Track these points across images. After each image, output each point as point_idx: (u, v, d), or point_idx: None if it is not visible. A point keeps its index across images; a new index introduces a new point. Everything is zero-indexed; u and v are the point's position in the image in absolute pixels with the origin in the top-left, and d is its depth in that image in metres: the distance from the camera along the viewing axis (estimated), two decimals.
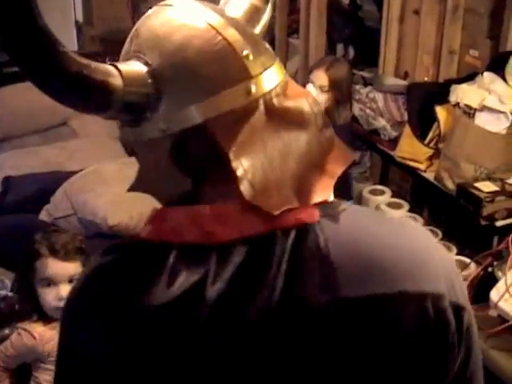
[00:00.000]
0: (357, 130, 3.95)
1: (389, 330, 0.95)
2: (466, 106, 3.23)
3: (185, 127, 0.96)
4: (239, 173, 0.94)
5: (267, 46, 1.05)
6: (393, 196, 4.02)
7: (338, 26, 5.20)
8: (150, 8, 1.05)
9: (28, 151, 4.78)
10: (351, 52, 5.25)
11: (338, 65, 3.21)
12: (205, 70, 0.96)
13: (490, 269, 2.95)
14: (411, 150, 3.58)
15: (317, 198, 0.98)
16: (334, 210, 1.00)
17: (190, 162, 0.99)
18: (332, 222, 0.98)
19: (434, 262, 1.02)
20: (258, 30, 1.14)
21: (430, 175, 3.50)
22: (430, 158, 3.52)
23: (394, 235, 1.02)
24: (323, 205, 0.99)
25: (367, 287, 0.94)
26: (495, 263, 2.93)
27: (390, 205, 3.88)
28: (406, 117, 3.76)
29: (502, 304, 2.69)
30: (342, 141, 3.20)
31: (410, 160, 3.60)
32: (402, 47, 4.21)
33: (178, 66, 0.96)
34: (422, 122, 3.57)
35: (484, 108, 3.18)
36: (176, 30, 0.98)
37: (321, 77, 3.15)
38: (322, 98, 3.14)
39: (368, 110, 3.92)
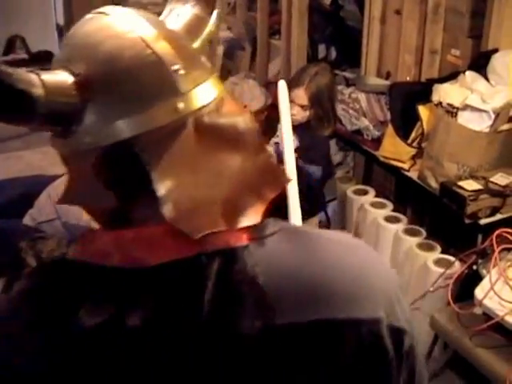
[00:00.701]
0: (340, 131, 3.95)
1: (324, 357, 0.92)
2: (449, 105, 3.25)
3: (110, 142, 0.92)
4: (161, 194, 0.90)
5: (203, 59, 1.00)
6: (376, 196, 4.04)
7: (319, 26, 5.20)
8: None
9: (10, 156, 4.76)
10: (333, 52, 5.26)
11: (318, 79, 3.17)
12: (132, 84, 0.92)
13: (474, 267, 2.96)
14: (394, 149, 3.59)
15: (245, 221, 0.94)
16: (266, 232, 0.96)
17: (115, 179, 0.95)
18: (263, 245, 0.94)
19: (374, 285, 0.99)
20: (200, 41, 1.10)
21: (413, 174, 3.51)
22: (414, 158, 3.53)
23: (331, 258, 0.99)
24: (256, 227, 0.95)
25: (301, 314, 0.91)
26: (479, 261, 2.95)
27: (373, 205, 3.90)
28: (388, 117, 3.78)
29: (486, 302, 2.70)
30: (322, 152, 3.20)
31: (394, 160, 3.61)
32: (384, 47, 4.22)
33: (106, 78, 0.92)
34: (404, 122, 3.58)
35: (466, 107, 3.20)
36: (106, 40, 0.94)
37: (300, 96, 3.13)
38: (304, 114, 3.12)
39: (351, 111, 3.93)
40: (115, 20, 0.96)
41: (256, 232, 0.95)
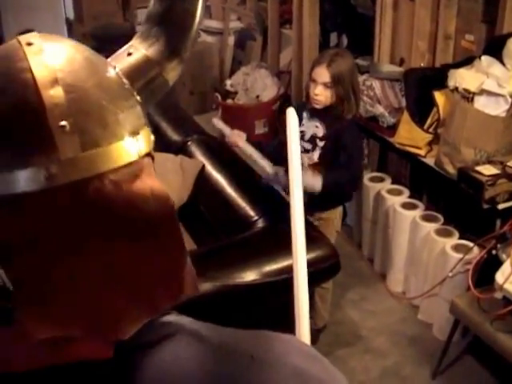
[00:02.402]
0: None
1: None
2: (465, 90, 3.24)
3: None
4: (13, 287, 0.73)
5: (120, 117, 0.77)
6: (392, 183, 4.03)
7: (330, 14, 5.20)
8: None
9: None
10: (345, 40, 5.26)
11: (339, 60, 3.15)
12: (5, 135, 0.72)
13: (493, 251, 2.96)
14: (410, 136, 3.58)
15: (112, 335, 0.76)
16: (150, 338, 0.80)
17: None
18: (144, 355, 0.78)
19: None
20: (142, 88, 0.87)
21: (429, 160, 3.51)
22: (430, 144, 3.53)
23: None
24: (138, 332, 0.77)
25: None
26: (499, 246, 2.95)
27: (389, 191, 3.90)
28: (403, 103, 3.77)
29: (507, 286, 2.70)
30: (351, 135, 3.09)
31: (410, 146, 3.60)
32: (397, 34, 4.22)
33: None
34: (420, 108, 3.57)
35: (483, 92, 3.19)
36: None
37: (322, 74, 3.12)
38: (327, 94, 3.12)
39: (365, 98, 3.92)
40: (25, 52, 0.76)
41: (136, 338, 0.77)
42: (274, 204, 3.13)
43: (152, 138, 0.81)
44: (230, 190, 3.25)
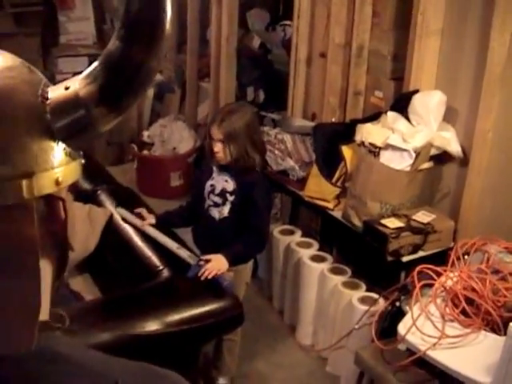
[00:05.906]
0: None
1: None
2: (371, 144, 3.31)
3: None
4: None
5: (14, 156, 0.77)
6: (303, 235, 4.06)
7: (247, 69, 5.27)
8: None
9: None
10: (261, 95, 5.32)
11: (233, 117, 3.17)
12: None
13: (397, 303, 2.99)
14: (319, 189, 3.63)
15: None
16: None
17: None
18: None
19: None
20: (63, 127, 0.83)
21: (337, 213, 3.55)
22: (338, 197, 3.58)
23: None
24: None
25: None
26: (402, 298, 2.98)
27: (299, 244, 3.92)
28: (314, 157, 3.82)
29: (409, 337, 2.72)
30: (260, 191, 3.10)
31: (318, 199, 3.65)
32: (310, 89, 4.30)
33: None
34: (328, 162, 3.63)
35: (388, 146, 3.26)
36: None
37: (215, 132, 3.16)
38: (225, 151, 3.14)
39: (277, 151, 3.97)
40: None
41: None
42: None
43: (60, 179, 0.80)
44: (136, 239, 3.22)
